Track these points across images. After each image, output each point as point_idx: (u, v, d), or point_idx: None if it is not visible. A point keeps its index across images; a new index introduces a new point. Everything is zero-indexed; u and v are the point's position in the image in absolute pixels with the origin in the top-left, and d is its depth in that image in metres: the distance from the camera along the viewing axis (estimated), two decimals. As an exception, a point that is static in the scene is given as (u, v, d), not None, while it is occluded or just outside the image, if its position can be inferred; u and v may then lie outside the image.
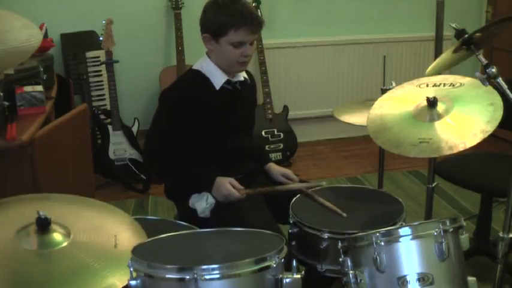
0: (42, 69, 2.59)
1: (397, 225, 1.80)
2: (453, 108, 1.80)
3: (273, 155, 3.93)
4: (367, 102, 2.30)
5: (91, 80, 3.75)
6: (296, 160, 4.11)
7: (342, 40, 4.34)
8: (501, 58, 4.24)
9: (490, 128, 1.68)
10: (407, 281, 1.47)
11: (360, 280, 1.50)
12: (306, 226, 1.85)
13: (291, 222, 1.91)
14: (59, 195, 1.68)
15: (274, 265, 1.32)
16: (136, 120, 3.74)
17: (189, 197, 2.07)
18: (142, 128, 3.62)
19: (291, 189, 2.10)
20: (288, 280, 1.35)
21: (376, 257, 1.48)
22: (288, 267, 1.38)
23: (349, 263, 1.55)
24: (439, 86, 1.93)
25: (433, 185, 2.48)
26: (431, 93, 1.85)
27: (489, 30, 1.88)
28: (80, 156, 2.59)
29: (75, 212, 1.58)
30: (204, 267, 1.26)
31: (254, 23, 2.01)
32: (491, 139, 1.75)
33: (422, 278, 1.47)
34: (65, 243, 1.41)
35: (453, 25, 1.77)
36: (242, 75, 2.17)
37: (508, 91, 1.63)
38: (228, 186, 2.02)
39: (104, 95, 3.79)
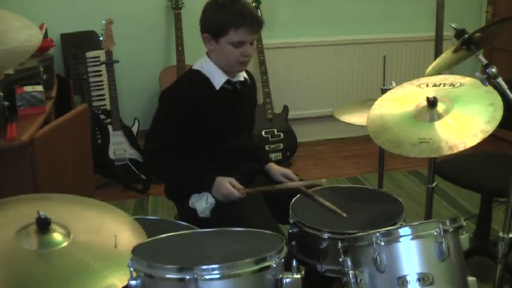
0: (42, 69, 2.59)
1: (397, 225, 1.80)
2: (453, 108, 1.80)
3: (273, 155, 3.94)
4: (367, 102, 2.30)
5: (91, 80, 3.75)
6: (296, 160, 4.11)
7: (342, 40, 4.34)
8: (501, 58, 4.24)
9: (490, 128, 1.68)
10: (407, 281, 1.47)
11: (360, 280, 1.50)
12: (306, 226, 1.85)
13: (291, 222, 1.91)
14: (59, 195, 1.68)
15: (274, 265, 1.33)
16: (136, 120, 3.74)
17: (189, 197, 2.07)
18: (142, 128, 3.62)
19: (291, 188, 2.10)
20: (288, 280, 1.35)
21: (376, 257, 1.48)
22: (288, 267, 1.38)
23: (349, 263, 1.55)
24: (439, 86, 1.93)
25: (433, 185, 2.48)
26: (431, 93, 1.85)
27: (489, 30, 1.88)
28: (80, 156, 2.59)
29: (75, 212, 1.58)
30: (204, 267, 1.26)
31: (254, 23, 2.01)
32: (491, 139, 1.75)
33: (422, 278, 1.47)
34: (65, 243, 1.41)
35: (453, 25, 1.77)
36: (242, 75, 2.17)
37: (508, 91, 1.63)
38: (228, 185, 2.02)
39: (104, 95, 3.79)
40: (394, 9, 4.45)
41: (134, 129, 3.71)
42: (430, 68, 2.00)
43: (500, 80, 1.65)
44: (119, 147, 3.63)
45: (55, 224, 1.42)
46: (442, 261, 1.48)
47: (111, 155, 3.61)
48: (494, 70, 1.64)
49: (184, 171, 2.09)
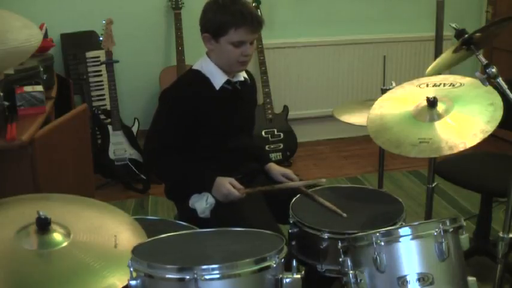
0: (42, 69, 2.59)
1: (397, 225, 1.80)
2: (453, 108, 1.80)
3: (273, 155, 3.94)
4: (367, 102, 2.30)
5: (91, 80, 3.75)
6: (296, 160, 4.11)
7: (342, 40, 4.34)
8: (501, 58, 4.24)
9: (490, 128, 1.68)
10: (407, 281, 1.47)
11: (360, 280, 1.50)
12: (306, 226, 1.85)
13: (291, 222, 1.91)
14: (59, 195, 1.68)
15: (274, 265, 1.32)
16: (136, 120, 3.74)
17: (189, 197, 2.07)
18: (142, 128, 3.62)
19: (291, 187, 2.10)
20: (288, 280, 1.35)
21: (376, 257, 1.48)
22: (288, 267, 1.37)
23: (349, 263, 1.55)
24: (439, 86, 1.93)
25: (433, 185, 2.48)
26: (431, 93, 1.85)
27: (489, 30, 1.88)
28: (80, 156, 2.59)
29: (75, 212, 1.58)
30: (204, 267, 1.26)
31: (254, 23, 2.01)
32: (491, 139, 1.75)
33: (422, 278, 1.47)
34: (65, 243, 1.41)
35: (453, 25, 1.77)
36: (242, 75, 2.17)
37: (508, 91, 1.63)
38: (228, 185, 2.02)
39: (104, 95, 3.79)
40: (394, 9, 4.45)
41: (134, 129, 3.71)
42: (430, 68, 2.00)
43: (500, 80, 1.65)
44: (119, 147, 3.63)
45: (55, 224, 1.42)
46: (442, 261, 1.48)
47: (111, 155, 3.61)
48: (494, 70, 1.64)
49: (184, 171, 2.09)
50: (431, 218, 2.52)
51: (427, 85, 1.96)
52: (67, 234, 1.43)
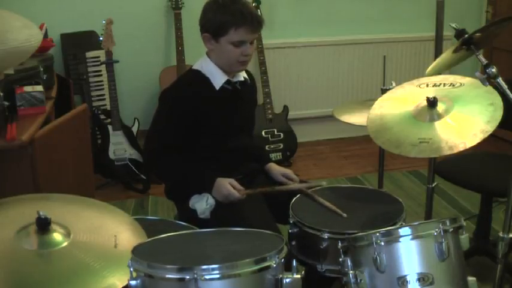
0: (42, 69, 2.59)
1: (397, 225, 1.80)
2: (453, 108, 1.80)
3: (273, 155, 3.93)
4: (367, 102, 2.30)
5: (91, 80, 3.75)
6: (296, 160, 4.11)
7: (342, 40, 4.34)
8: (501, 58, 4.24)
9: (490, 128, 1.68)
10: (407, 281, 1.47)
11: (360, 280, 1.50)
12: (306, 226, 1.85)
13: (291, 222, 1.91)
14: (59, 195, 1.68)
15: (274, 265, 1.32)
16: (136, 120, 3.74)
17: (189, 197, 2.07)
18: (142, 128, 3.62)
19: (291, 190, 2.10)
20: (288, 280, 1.35)
21: (376, 257, 1.48)
22: (288, 267, 1.37)
23: (349, 263, 1.55)
24: (439, 86, 1.93)
25: (433, 185, 2.48)
26: (431, 93, 1.85)
27: (489, 30, 1.88)
28: (80, 156, 2.59)
29: (75, 212, 1.58)
30: (204, 267, 1.26)
31: (254, 22, 2.01)
32: (491, 139, 1.75)
33: (422, 278, 1.47)
34: (65, 243, 1.41)
35: (453, 25, 1.77)
36: (242, 75, 2.17)
37: (508, 91, 1.63)
38: (228, 186, 2.02)
39: (104, 95, 3.79)
40: (394, 9, 4.45)
41: (134, 129, 3.71)
42: (430, 68, 2.00)
43: (500, 80, 1.65)
44: (119, 147, 3.63)
45: (55, 224, 1.42)
46: (442, 261, 1.48)
47: (111, 155, 3.61)
48: (494, 70, 1.64)
49: (185, 171, 2.08)
50: (431, 218, 2.52)
51: (427, 85, 1.96)
52: (67, 234, 1.43)
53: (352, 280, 1.51)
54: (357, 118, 2.31)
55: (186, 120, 2.05)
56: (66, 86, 3.21)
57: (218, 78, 2.09)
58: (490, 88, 1.78)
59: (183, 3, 3.81)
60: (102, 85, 3.78)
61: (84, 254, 1.39)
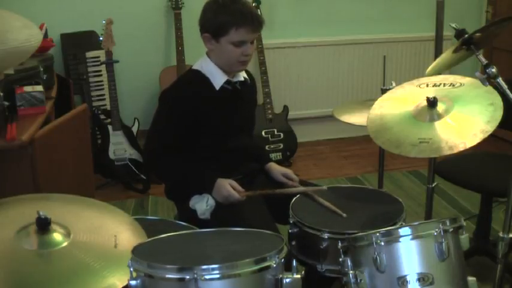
0: (42, 69, 2.59)
1: (397, 225, 1.80)
2: (453, 108, 1.80)
3: (273, 155, 3.93)
4: (367, 102, 2.30)
5: (91, 80, 3.75)
6: (296, 160, 4.11)
7: (342, 40, 4.34)
8: (501, 58, 4.24)
9: (490, 128, 1.68)
10: (407, 281, 1.47)
11: (360, 280, 1.50)
12: (306, 226, 1.85)
13: (291, 222, 1.91)
14: (59, 195, 1.68)
15: (274, 265, 1.32)
16: (136, 120, 3.74)
17: (189, 197, 2.07)
18: (142, 128, 3.62)
19: (292, 193, 2.08)
20: (288, 280, 1.35)
21: (376, 257, 1.48)
22: (288, 267, 1.37)
23: (349, 263, 1.55)
24: (439, 86, 1.93)
25: (433, 185, 2.48)
26: (431, 93, 1.85)
27: (489, 30, 1.88)
28: (80, 156, 2.59)
29: (75, 212, 1.58)
30: (204, 267, 1.26)
31: (255, 22, 2.01)
32: (491, 139, 1.75)
33: (422, 278, 1.47)
34: (65, 243, 1.41)
35: (453, 25, 1.77)
36: (242, 75, 2.17)
37: (508, 91, 1.63)
38: (228, 187, 2.02)
39: (104, 95, 3.79)
40: (394, 9, 4.45)
41: (134, 129, 3.71)
42: (430, 68, 2.00)
43: (500, 80, 1.65)
44: (119, 147, 3.63)
45: (55, 224, 1.42)
46: (442, 261, 1.48)
47: (111, 155, 3.61)
48: (494, 70, 1.64)
49: (185, 171, 2.08)
50: (431, 218, 2.52)
51: (427, 85, 1.96)
52: (67, 234, 1.43)
53: (352, 280, 1.51)
54: (357, 118, 2.31)
55: (186, 120, 2.05)
56: (66, 86, 3.21)
57: (218, 78, 2.09)
58: (490, 88, 1.78)
59: (183, 3, 3.81)
60: (102, 85, 3.78)
61: (84, 254, 1.39)
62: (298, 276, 1.36)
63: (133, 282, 1.30)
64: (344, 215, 1.91)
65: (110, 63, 3.55)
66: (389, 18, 4.44)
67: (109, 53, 3.54)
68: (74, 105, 3.29)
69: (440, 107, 1.81)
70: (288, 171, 2.23)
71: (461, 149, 1.67)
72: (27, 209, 1.47)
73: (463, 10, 4.48)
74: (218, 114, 2.10)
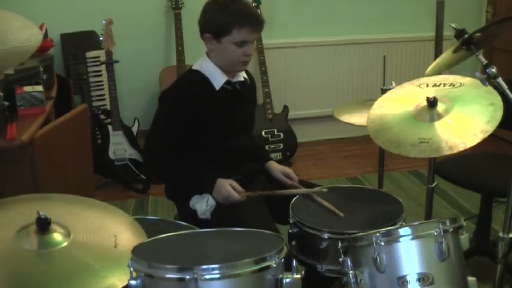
0: (42, 69, 2.59)
1: (397, 225, 1.80)
2: (453, 108, 1.80)
3: (273, 155, 3.93)
4: (367, 102, 2.30)
5: (91, 80, 3.75)
6: (296, 160, 4.11)
7: (342, 40, 4.34)
8: (501, 58, 4.24)
9: (490, 128, 1.68)
10: (407, 281, 1.47)
11: (360, 280, 1.50)
12: (306, 226, 1.85)
13: (291, 222, 1.91)
14: (59, 195, 1.68)
15: (274, 265, 1.32)
16: (136, 120, 3.75)
17: (189, 197, 2.07)
18: (142, 128, 3.62)
19: (292, 194, 2.08)
20: (288, 280, 1.35)
21: (376, 257, 1.48)
22: (288, 267, 1.37)
23: (349, 263, 1.55)
24: (439, 86, 1.93)
25: (433, 185, 2.48)
26: (431, 93, 1.85)
27: (489, 30, 1.88)
28: (80, 156, 2.59)
29: (75, 212, 1.58)
30: (204, 267, 1.26)
31: (256, 22, 2.01)
32: (491, 139, 1.76)
33: (422, 278, 1.47)
34: (65, 243, 1.41)
35: (453, 25, 1.77)
36: (242, 76, 2.17)
37: (508, 91, 1.63)
38: (228, 187, 2.02)
39: (104, 95, 3.79)
40: (394, 9, 4.45)
41: (134, 129, 3.71)
42: (430, 68, 2.00)
43: (500, 80, 1.65)
44: (119, 147, 3.63)
45: (55, 224, 1.42)
46: (442, 261, 1.48)
47: (111, 155, 3.61)
48: (494, 70, 1.64)
49: (185, 171, 2.08)
50: (431, 218, 2.52)
51: (427, 85, 1.96)
52: (67, 234, 1.43)
53: (352, 280, 1.51)
54: (357, 118, 2.31)
55: (186, 120, 2.05)
56: (66, 86, 3.21)
57: (218, 79, 2.09)
58: (490, 88, 1.78)
59: (183, 3, 3.81)
60: (102, 85, 3.78)
61: (84, 254, 1.39)
62: (298, 276, 1.36)
63: (133, 282, 1.30)
64: (341, 215, 1.91)
65: (110, 63, 3.55)
66: (389, 18, 4.44)
67: (109, 53, 3.54)
68: (74, 105, 3.29)
69: (440, 107, 1.81)
70: (288, 170, 2.23)
71: (461, 149, 1.67)
72: (27, 209, 1.47)
73: (463, 10, 4.48)
74: (218, 114, 2.10)
